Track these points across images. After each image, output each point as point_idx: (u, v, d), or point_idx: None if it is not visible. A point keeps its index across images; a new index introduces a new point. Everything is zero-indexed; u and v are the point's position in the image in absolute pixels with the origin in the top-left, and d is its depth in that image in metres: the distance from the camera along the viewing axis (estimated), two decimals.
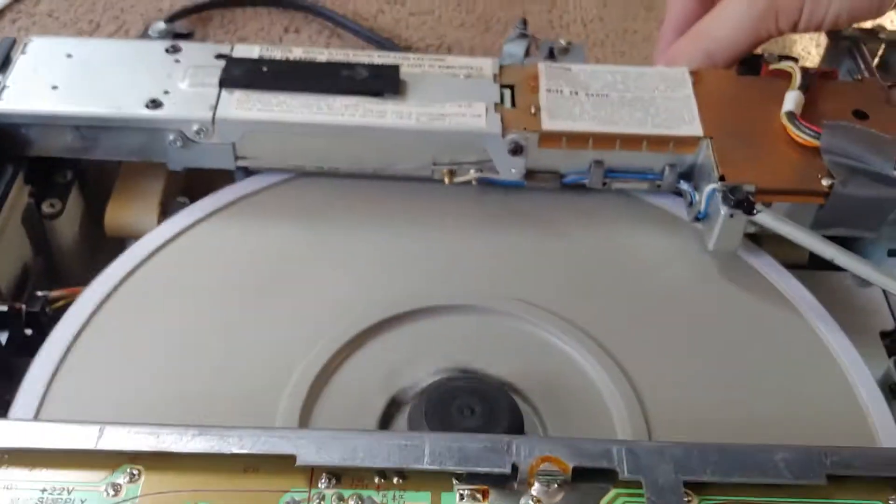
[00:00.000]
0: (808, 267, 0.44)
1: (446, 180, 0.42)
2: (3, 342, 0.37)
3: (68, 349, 0.36)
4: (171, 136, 0.41)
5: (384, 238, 0.41)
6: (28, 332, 0.38)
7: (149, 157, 0.42)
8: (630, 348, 0.38)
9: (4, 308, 0.37)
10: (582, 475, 0.29)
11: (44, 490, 0.28)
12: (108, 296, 0.38)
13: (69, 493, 0.28)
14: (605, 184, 0.42)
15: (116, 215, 0.43)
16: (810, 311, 0.40)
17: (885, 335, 0.42)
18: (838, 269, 0.43)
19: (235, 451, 0.28)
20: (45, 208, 0.42)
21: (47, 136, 0.41)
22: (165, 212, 0.43)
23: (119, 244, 0.42)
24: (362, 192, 0.43)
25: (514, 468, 0.29)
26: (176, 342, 0.37)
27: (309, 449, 0.28)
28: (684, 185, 0.42)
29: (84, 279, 0.39)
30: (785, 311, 0.40)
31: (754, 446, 0.30)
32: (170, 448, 0.28)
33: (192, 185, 0.45)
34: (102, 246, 0.43)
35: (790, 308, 0.40)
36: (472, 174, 0.42)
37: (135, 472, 0.28)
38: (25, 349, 0.37)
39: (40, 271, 0.42)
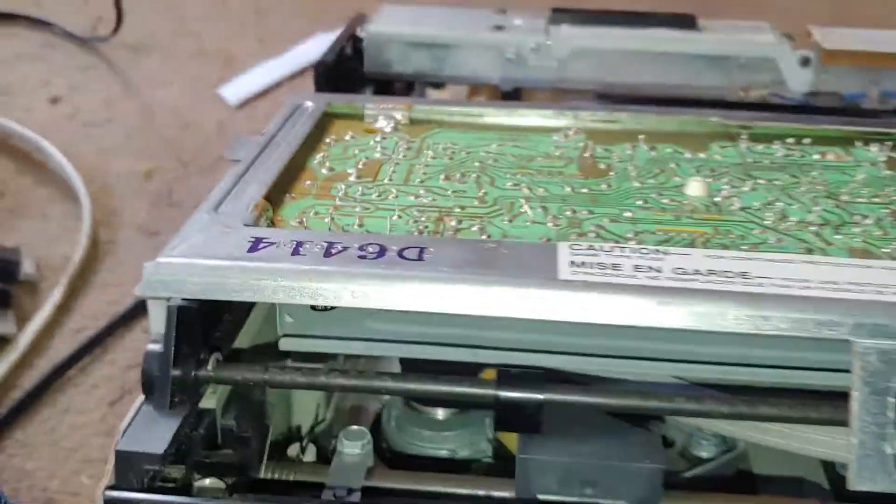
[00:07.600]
0: None
1: (742, 94, 0.49)
2: None
3: None
4: (509, 54, 0.49)
5: None
6: None
7: (482, 79, 0.50)
8: None
9: None
10: None
11: None
12: None
13: None
14: (880, 104, 0.48)
15: None
16: None
17: None
18: None
19: None
20: None
21: (407, 55, 0.50)
22: None
23: None
24: None
25: None
26: None
27: None
28: None
29: None
30: None
31: None
32: None
33: None
34: None
35: None
36: (765, 92, 0.49)
37: None
38: None
39: None
